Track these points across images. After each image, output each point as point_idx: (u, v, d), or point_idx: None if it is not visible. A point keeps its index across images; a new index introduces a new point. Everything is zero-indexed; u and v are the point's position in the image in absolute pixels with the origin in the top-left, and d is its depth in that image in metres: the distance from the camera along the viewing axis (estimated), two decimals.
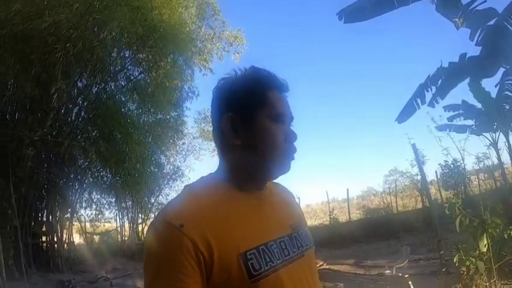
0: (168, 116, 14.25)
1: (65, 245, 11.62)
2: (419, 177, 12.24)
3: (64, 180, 11.48)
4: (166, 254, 0.83)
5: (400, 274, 6.98)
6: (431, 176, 14.82)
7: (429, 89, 7.80)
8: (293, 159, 1.03)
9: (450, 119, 9.42)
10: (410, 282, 6.34)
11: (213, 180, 1.01)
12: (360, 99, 43.93)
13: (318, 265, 10.42)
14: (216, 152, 1.08)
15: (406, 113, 8.09)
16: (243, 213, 0.95)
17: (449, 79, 7.52)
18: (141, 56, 11.94)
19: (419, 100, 7.92)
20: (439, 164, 13.68)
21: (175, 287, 0.81)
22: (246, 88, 1.00)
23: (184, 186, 1.00)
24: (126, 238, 17.13)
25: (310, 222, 19.83)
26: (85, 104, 11.76)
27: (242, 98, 0.99)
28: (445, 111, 9.28)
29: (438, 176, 14.27)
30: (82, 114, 11.88)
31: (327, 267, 10.26)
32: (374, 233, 12.99)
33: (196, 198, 0.94)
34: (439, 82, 7.64)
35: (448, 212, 5.00)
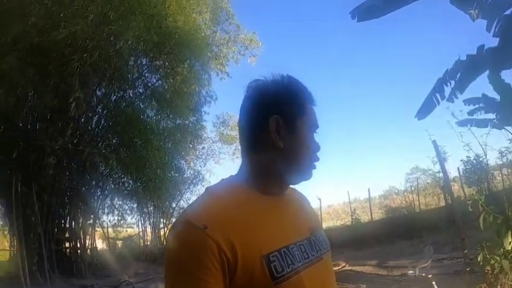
0: (187, 121, 14.32)
1: (88, 251, 11.88)
2: (441, 174, 11.89)
3: (86, 187, 11.75)
4: (189, 255, 0.83)
5: (423, 274, 6.87)
6: (453, 172, 14.39)
7: (448, 84, 7.52)
8: (315, 168, 1.07)
9: (470, 113, 9.04)
10: (433, 283, 6.27)
11: (234, 182, 1.02)
12: (379, 98, 43.43)
13: (340, 266, 10.41)
14: (236, 156, 1.09)
15: (426, 109, 7.84)
16: (265, 216, 0.96)
17: (467, 72, 7.26)
18: (158, 63, 12.13)
19: (438, 95, 7.65)
20: (461, 160, 13.28)
21: (198, 287, 0.81)
22: (292, 95, 1.03)
23: (206, 188, 1.01)
24: (148, 243, 17.41)
25: (332, 222, 19.69)
26: (105, 112, 12.01)
27: (289, 104, 1.02)
28: (465, 105, 8.88)
29: (461, 173, 13.86)
30: (102, 122, 12.13)
31: (349, 268, 10.12)
32: (397, 232, 12.72)
33: (217, 200, 0.95)
34: (458, 76, 7.38)
35: (470, 209, 4.85)
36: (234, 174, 1.06)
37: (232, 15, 13.29)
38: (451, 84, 7.48)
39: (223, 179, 1.04)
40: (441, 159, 8.23)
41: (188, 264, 0.83)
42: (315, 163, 1.07)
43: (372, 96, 44.15)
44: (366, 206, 18.43)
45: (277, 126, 0.99)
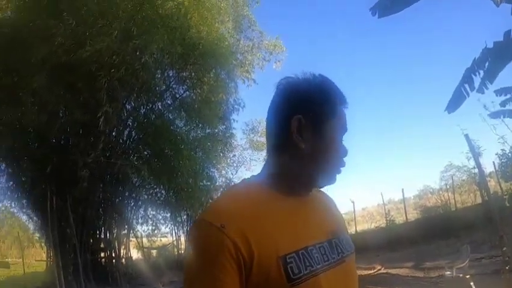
0: (216, 130, 14.34)
1: (123, 260, 12.19)
2: (476, 170, 11.30)
3: (120, 198, 12.08)
4: (207, 254, 0.85)
5: (461, 275, 6.66)
6: (489, 167, 13.65)
7: (476, 74, 7.15)
8: (340, 172, 1.06)
9: (502, 104, 8.51)
10: (471, 283, 6.05)
11: (255, 182, 1.03)
12: (408, 96, 42.05)
13: (375, 270, 10.15)
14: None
15: (455, 101, 7.46)
16: (284, 216, 0.96)
17: (496, 60, 6.85)
18: (184, 74, 12.33)
19: (467, 86, 7.26)
20: (496, 154, 12.57)
21: (214, 286, 0.83)
22: (321, 96, 1.00)
23: (226, 188, 1.05)
24: (182, 251, 17.57)
25: (367, 225, 19.34)
26: (135, 124, 12.35)
27: (319, 104, 1.00)
28: (497, 95, 8.40)
29: (497, 167, 13.11)
30: (133, 134, 12.47)
31: (384, 271, 9.99)
32: (433, 232, 12.26)
33: (236, 199, 0.96)
34: (486, 65, 6.99)
35: (508, 205, 4.58)
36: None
37: (254, 22, 13.37)
38: (479, 74, 7.09)
39: (244, 179, 1.05)
40: (475, 154, 7.85)
41: (206, 263, 0.84)
42: (340, 168, 1.04)
43: (402, 94, 42.83)
44: (401, 207, 17.93)
45: (299, 126, 0.97)
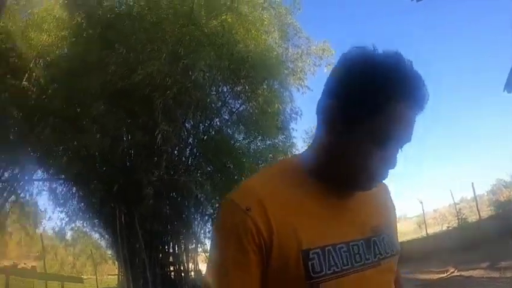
0: (276, 140, 14.30)
1: (192, 274, 12.48)
2: None
3: (186, 213, 12.47)
4: (230, 236, 0.85)
5: None
6: None
7: None
8: (379, 183, 0.93)
9: None
10: None
11: (293, 165, 0.98)
12: (470, 89, 38.92)
13: (448, 273, 9.35)
14: None
15: None
16: (316, 206, 0.89)
17: None
18: (238, 88, 12.58)
19: None
20: None
21: (234, 268, 0.83)
22: (369, 81, 0.82)
23: (261, 168, 1.08)
24: None
25: (439, 227, 17.97)
26: (195, 142, 12.79)
27: (358, 91, 0.83)
28: None
29: None
30: (194, 152, 12.89)
31: (458, 274, 9.35)
32: (508, 229, 11.00)
33: (269, 180, 0.93)
34: None
35: None
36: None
37: (300, 29, 13.30)
38: None
39: (283, 159, 1.06)
40: None
41: (229, 245, 0.84)
42: (381, 179, 0.91)
43: (463, 88, 39.90)
44: (474, 205, 16.44)
45: (331, 114, 0.86)
